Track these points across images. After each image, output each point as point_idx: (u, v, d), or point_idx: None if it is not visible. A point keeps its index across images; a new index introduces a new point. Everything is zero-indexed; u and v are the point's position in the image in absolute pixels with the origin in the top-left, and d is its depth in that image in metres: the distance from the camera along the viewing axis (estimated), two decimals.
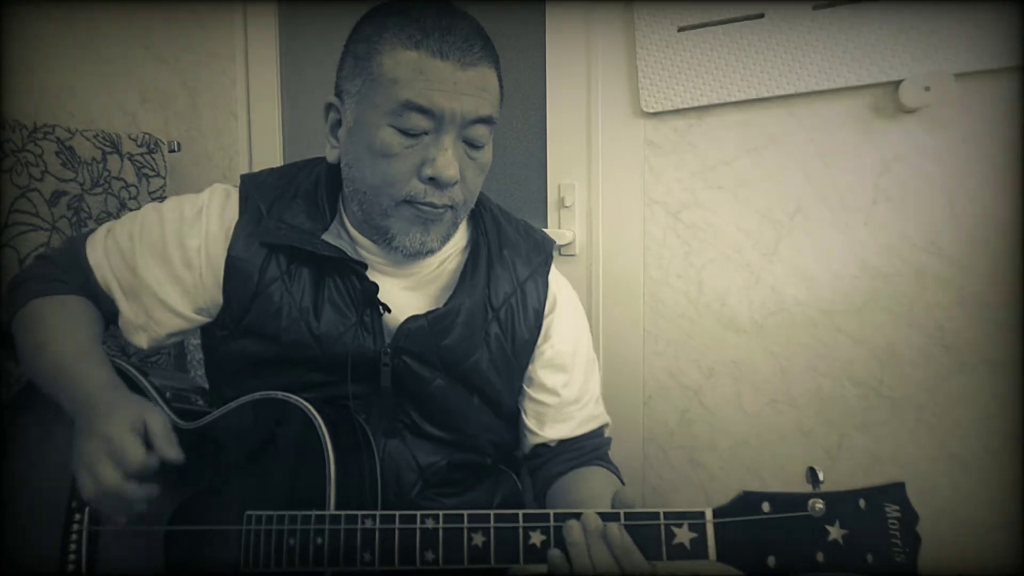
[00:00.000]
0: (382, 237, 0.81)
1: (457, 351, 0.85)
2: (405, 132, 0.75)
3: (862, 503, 0.61)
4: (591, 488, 0.86)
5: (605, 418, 0.96)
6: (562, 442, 0.91)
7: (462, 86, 0.74)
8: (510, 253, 0.90)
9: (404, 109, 0.74)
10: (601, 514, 0.64)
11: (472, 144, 0.78)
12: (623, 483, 0.92)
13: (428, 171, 0.75)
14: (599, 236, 1.39)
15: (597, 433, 0.94)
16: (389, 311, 0.83)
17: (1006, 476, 1.12)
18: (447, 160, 0.75)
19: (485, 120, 0.77)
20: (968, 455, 1.16)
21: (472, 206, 0.86)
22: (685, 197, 1.31)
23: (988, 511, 1.14)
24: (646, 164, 1.34)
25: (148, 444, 0.70)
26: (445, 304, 0.84)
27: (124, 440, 0.68)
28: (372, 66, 0.76)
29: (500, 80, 0.81)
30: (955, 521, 1.15)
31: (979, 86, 1.10)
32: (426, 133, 0.75)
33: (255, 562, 0.70)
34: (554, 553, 0.64)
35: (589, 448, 0.92)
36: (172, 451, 0.71)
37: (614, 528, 0.62)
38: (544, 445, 0.92)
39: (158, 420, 0.72)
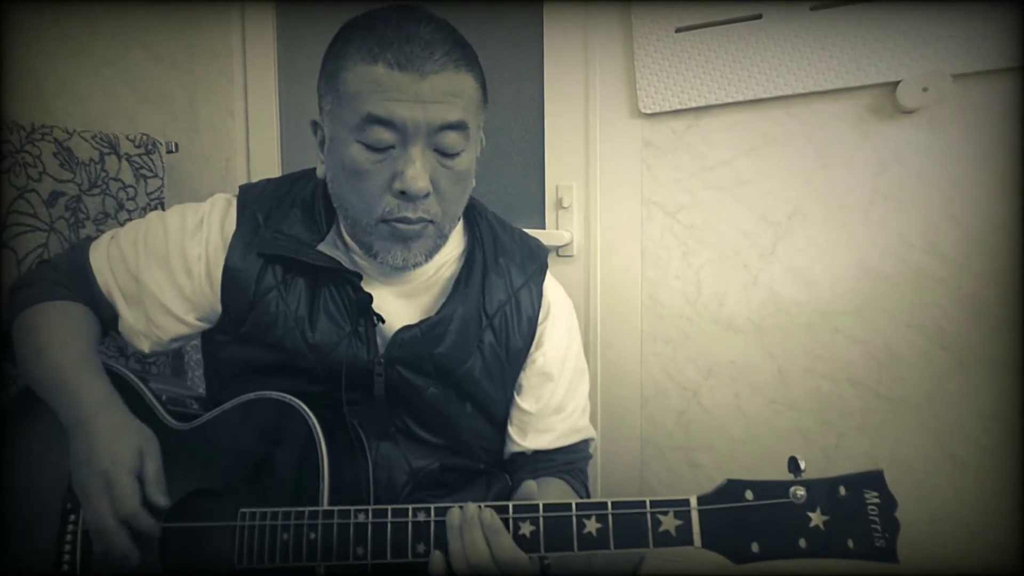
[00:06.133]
0: (368, 252, 0.81)
1: (450, 359, 0.85)
2: (372, 147, 0.75)
3: (842, 490, 0.63)
4: (541, 496, 0.85)
5: (589, 432, 0.96)
6: (536, 452, 0.91)
7: (425, 94, 0.73)
8: (505, 261, 0.90)
9: (366, 123, 0.73)
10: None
11: (444, 153, 0.76)
12: (586, 497, 0.91)
13: (397, 185, 0.75)
14: (597, 237, 1.39)
15: (575, 448, 0.94)
16: (383, 322, 0.83)
17: (1005, 476, 1.12)
18: (415, 172, 0.74)
19: (454, 126, 0.75)
20: (967, 455, 1.15)
21: (458, 216, 0.85)
22: (683, 198, 1.31)
23: (987, 511, 1.14)
24: (644, 165, 1.34)
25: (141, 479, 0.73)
26: (438, 312, 0.85)
27: (123, 486, 0.71)
28: (338, 83, 0.75)
29: (481, 81, 0.79)
30: (954, 521, 1.15)
31: (977, 87, 1.11)
32: (393, 147, 0.75)
33: (249, 558, 0.71)
34: (435, 554, 0.67)
35: (560, 461, 0.92)
36: (160, 497, 0.73)
37: (487, 512, 0.67)
38: (520, 453, 0.92)
39: (152, 464, 0.74)
